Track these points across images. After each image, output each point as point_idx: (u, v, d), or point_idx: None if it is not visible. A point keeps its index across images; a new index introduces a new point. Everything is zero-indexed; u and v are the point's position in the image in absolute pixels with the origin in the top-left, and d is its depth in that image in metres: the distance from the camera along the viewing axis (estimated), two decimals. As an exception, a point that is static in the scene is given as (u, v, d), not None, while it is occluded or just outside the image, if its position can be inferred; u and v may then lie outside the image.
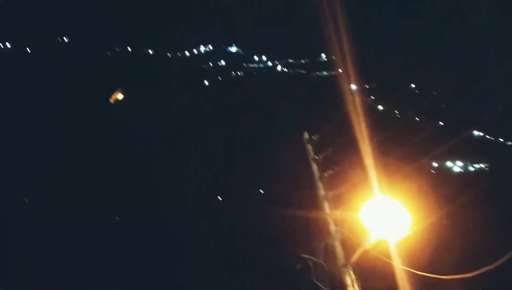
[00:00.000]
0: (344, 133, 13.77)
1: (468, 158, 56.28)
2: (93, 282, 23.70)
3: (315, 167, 13.68)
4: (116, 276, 23.92)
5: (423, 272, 9.84)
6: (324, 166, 13.53)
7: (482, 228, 29.81)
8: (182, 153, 33.40)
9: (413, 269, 9.97)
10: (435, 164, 47.18)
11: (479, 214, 31.85)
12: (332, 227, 11.98)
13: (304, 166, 14.00)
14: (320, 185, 13.12)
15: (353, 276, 11.15)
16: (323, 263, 12.44)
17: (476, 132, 62.65)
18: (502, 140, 67.96)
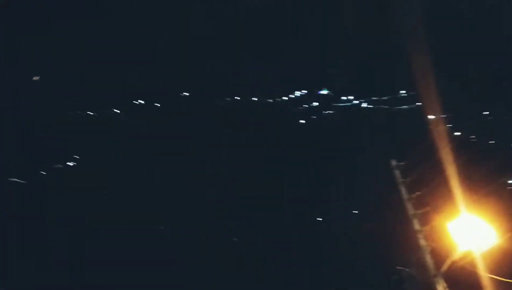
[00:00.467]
0: (427, 159, 15.30)
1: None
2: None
3: (403, 190, 15.54)
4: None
5: (509, 279, 11.24)
6: (411, 188, 15.31)
7: None
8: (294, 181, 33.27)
9: (499, 278, 11.39)
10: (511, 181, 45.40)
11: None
12: (422, 242, 13.71)
13: (394, 189, 15.84)
14: (409, 205, 14.93)
15: (444, 284, 12.72)
16: (415, 274, 14.18)
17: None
18: None
